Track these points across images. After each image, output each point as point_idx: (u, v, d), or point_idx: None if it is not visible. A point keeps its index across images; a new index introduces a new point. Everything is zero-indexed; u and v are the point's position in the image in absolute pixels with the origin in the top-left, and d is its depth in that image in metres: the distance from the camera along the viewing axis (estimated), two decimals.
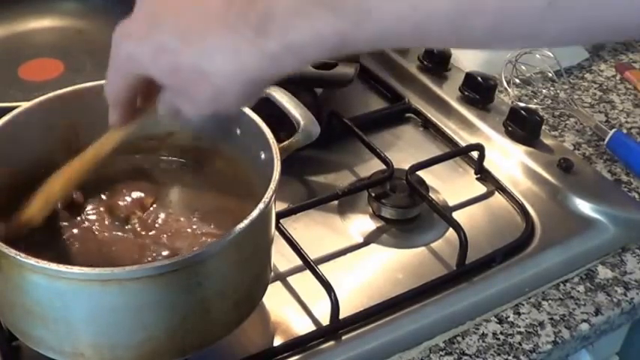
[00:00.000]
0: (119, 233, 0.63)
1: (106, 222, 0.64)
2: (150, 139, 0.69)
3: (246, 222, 0.55)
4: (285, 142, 0.66)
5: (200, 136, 0.69)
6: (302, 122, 0.69)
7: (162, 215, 0.65)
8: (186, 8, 0.49)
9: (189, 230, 0.63)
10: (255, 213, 0.56)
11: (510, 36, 0.46)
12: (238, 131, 0.66)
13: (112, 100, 0.54)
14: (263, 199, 0.57)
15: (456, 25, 0.45)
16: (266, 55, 0.46)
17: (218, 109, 0.50)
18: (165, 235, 0.63)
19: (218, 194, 0.66)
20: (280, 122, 0.68)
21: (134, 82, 0.52)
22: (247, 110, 0.65)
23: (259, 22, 0.46)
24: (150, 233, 0.63)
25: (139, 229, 0.63)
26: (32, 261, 0.51)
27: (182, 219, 0.64)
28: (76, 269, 0.52)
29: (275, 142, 0.62)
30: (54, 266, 0.51)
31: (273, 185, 0.58)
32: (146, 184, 0.67)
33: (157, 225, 0.64)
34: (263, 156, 0.63)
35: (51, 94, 0.65)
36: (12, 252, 0.52)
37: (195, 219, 0.64)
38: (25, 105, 0.64)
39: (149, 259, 0.60)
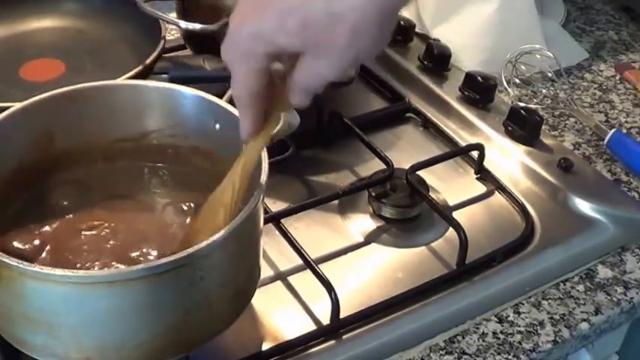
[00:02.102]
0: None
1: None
2: (124, 141, 0.68)
3: (244, 213, 0.55)
4: None
5: (176, 134, 0.68)
6: (283, 113, 0.69)
7: (147, 218, 0.64)
8: None
9: (176, 230, 0.63)
10: (251, 204, 0.56)
11: None
12: (217, 126, 0.66)
13: (244, 97, 0.53)
14: (256, 190, 0.57)
15: None
16: None
17: (359, 55, 0.49)
18: (151, 237, 0.62)
19: (199, 192, 0.66)
20: None
21: (264, 68, 0.51)
22: (225, 104, 0.65)
23: None
24: (133, 236, 0.62)
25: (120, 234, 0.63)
26: (36, 268, 0.51)
27: (167, 220, 0.64)
28: (81, 272, 0.52)
29: None
30: (59, 271, 0.51)
31: (264, 176, 0.58)
32: (126, 187, 0.67)
33: (141, 227, 0.63)
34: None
35: (25, 102, 0.64)
36: (13, 261, 0.51)
37: (180, 219, 0.64)
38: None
39: (141, 259, 0.60)
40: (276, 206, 0.78)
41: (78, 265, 0.60)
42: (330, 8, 0.47)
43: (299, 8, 0.47)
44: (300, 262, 0.72)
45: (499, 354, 0.67)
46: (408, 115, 0.95)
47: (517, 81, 0.99)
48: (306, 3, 0.47)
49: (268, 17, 0.48)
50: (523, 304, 0.72)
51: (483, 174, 0.86)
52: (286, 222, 0.75)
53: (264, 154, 0.60)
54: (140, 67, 0.79)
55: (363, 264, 0.76)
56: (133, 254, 0.61)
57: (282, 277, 0.73)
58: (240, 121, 0.54)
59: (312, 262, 0.70)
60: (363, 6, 0.47)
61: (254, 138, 0.55)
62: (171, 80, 0.76)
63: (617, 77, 1.04)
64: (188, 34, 0.92)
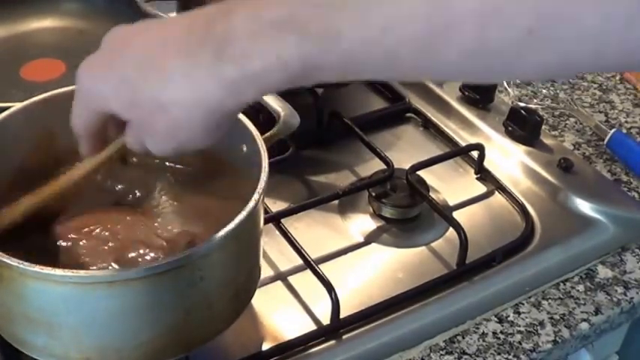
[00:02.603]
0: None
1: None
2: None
3: (244, 213, 0.55)
4: (267, 134, 0.66)
5: None
6: (282, 113, 0.69)
7: (147, 218, 0.64)
8: (148, 40, 0.48)
9: (176, 232, 0.63)
10: (251, 204, 0.56)
11: (485, 66, 0.43)
12: None
13: (79, 133, 0.53)
14: (257, 189, 0.57)
15: (430, 51, 0.42)
16: (223, 82, 0.44)
17: (180, 145, 0.48)
18: (151, 237, 0.62)
19: (200, 193, 0.66)
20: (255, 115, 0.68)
21: (99, 116, 0.51)
22: None
23: (217, 47, 0.44)
24: (133, 237, 0.62)
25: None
26: (36, 268, 0.51)
27: (168, 221, 0.64)
28: (82, 273, 0.52)
29: (259, 134, 0.62)
30: (59, 272, 0.51)
31: (264, 176, 0.58)
32: (126, 187, 0.67)
33: (141, 228, 0.63)
34: (245, 149, 0.63)
35: (26, 102, 0.64)
36: (14, 261, 0.51)
37: (181, 218, 0.64)
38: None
39: (140, 260, 0.60)
40: (276, 206, 0.78)
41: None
42: (157, 96, 0.46)
43: (133, 82, 0.47)
44: (300, 262, 0.72)
45: (499, 354, 0.67)
46: (408, 115, 0.95)
47: (517, 81, 0.99)
48: (141, 79, 0.46)
49: (108, 79, 0.48)
50: (523, 304, 0.72)
51: (483, 174, 0.86)
52: (286, 222, 0.75)
53: (264, 155, 0.60)
54: None
55: (363, 264, 0.76)
56: (133, 255, 0.61)
57: (282, 277, 0.73)
58: (79, 141, 0.55)
59: (312, 262, 0.70)
60: (187, 102, 0.45)
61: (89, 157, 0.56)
62: None
63: (617, 77, 1.04)
64: None
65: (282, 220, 0.75)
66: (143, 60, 0.47)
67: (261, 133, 0.62)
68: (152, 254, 0.60)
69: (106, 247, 0.60)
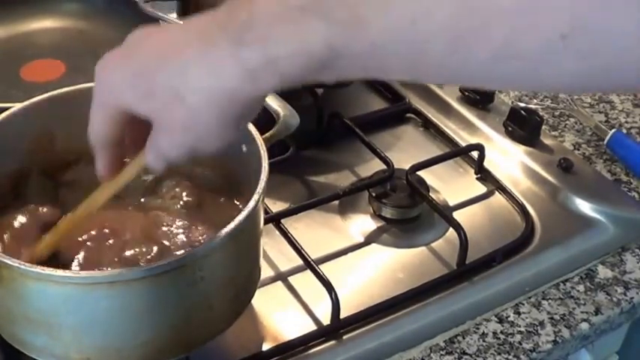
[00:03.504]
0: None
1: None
2: None
3: (244, 213, 0.55)
4: (267, 134, 0.66)
5: None
6: (281, 113, 0.69)
7: (147, 218, 0.64)
8: (169, 34, 0.46)
9: (180, 230, 0.63)
10: (251, 204, 0.56)
11: (514, 70, 0.41)
12: None
13: (96, 142, 0.50)
14: (257, 190, 0.57)
15: (459, 48, 0.40)
16: (243, 67, 0.42)
17: (197, 143, 0.46)
18: (151, 237, 0.62)
19: (200, 192, 0.65)
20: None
21: (118, 119, 0.48)
22: None
23: (239, 31, 0.41)
24: (133, 237, 0.62)
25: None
26: (37, 269, 0.51)
27: (168, 220, 0.64)
28: (82, 273, 0.52)
29: (259, 134, 0.62)
30: (60, 272, 0.51)
31: (263, 176, 0.58)
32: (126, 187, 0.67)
33: (141, 228, 0.63)
34: (245, 149, 0.63)
35: (26, 103, 0.64)
36: (15, 262, 0.51)
37: (181, 220, 0.64)
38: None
39: (141, 259, 0.60)
40: (276, 206, 0.78)
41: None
42: (174, 83, 0.43)
43: (150, 73, 0.44)
44: (300, 262, 0.72)
45: (499, 354, 0.67)
46: (409, 115, 0.95)
47: None
48: (157, 68, 0.44)
49: (125, 73, 0.46)
50: (523, 304, 0.72)
51: (483, 174, 0.86)
52: (286, 222, 0.75)
53: (264, 155, 0.60)
54: None
55: (363, 264, 0.76)
56: (134, 255, 0.61)
57: (282, 277, 0.73)
58: (96, 159, 0.52)
59: (312, 263, 0.70)
60: (204, 89, 0.43)
61: (107, 182, 0.53)
62: None
63: None
64: None
65: (282, 221, 0.75)
66: (161, 50, 0.45)
67: (261, 133, 0.62)
68: (152, 254, 0.60)
69: (106, 248, 0.60)
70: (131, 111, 0.47)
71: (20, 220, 0.61)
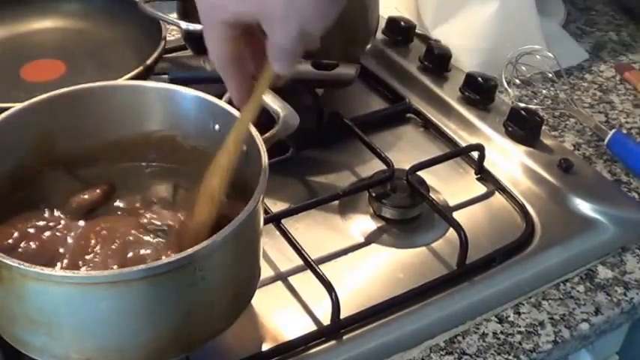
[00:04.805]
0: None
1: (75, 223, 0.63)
2: (124, 142, 0.68)
3: (245, 213, 0.55)
4: (267, 134, 0.66)
5: (176, 134, 0.68)
6: (281, 114, 0.69)
7: (147, 218, 0.64)
8: None
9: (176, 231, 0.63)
10: (251, 204, 0.56)
11: None
12: (217, 127, 0.66)
13: (219, 64, 0.53)
14: (257, 190, 0.57)
15: None
16: None
17: (303, 26, 0.48)
18: (151, 237, 0.62)
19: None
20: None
21: (229, 34, 0.51)
22: (224, 105, 0.65)
23: None
24: (133, 237, 0.62)
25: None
26: (37, 269, 0.51)
27: (168, 220, 0.64)
28: (82, 273, 0.52)
29: (258, 134, 0.62)
30: (60, 272, 0.51)
31: (263, 176, 0.58)
32: (126, 187, 0.67)
33: (141, 228, 0.63)
34: (245, 149, 0.63)
35: (26, 103, 0.64)
36: (15, 262, 0.51)
37: (180, 219, 0.64)
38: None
39: (141, 259, 0.60)
40: (276, 207, 0.78)
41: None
42: None
43: None
44: (300, 262, 0.72)
45: (499, 354, 0.67)
46: (409, 115, 0.95)
47: (517, 81, 0.99)
48: None
49: None
50: (523, 304, 0.72)
51: (483, 174, 0.86)
52: (287, 222, 0.75)
53: (264, 155, 0.60)
54: (141, 68, 0.79)
55: (363, 264, 0.76)
56: (134, 255, 0.61)
57: (282, 277, 0.73)
58: (227, 88, 0.55)
59: (312, 263, 0.70)
60: None
61: (245, 105, 0.56)
62: (172, 81, 0.76)
63: (618, 78, 1.04)
64: (188, 35, 0.92)
65: (283, 221, 0.75)
66: None
67: (261, 134, 0.62)
68: (152, 254, 0.60)
69: (106, 248, 0.60)
70: (236, 20, 0.50)
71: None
